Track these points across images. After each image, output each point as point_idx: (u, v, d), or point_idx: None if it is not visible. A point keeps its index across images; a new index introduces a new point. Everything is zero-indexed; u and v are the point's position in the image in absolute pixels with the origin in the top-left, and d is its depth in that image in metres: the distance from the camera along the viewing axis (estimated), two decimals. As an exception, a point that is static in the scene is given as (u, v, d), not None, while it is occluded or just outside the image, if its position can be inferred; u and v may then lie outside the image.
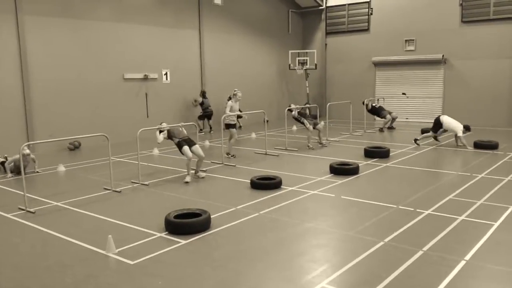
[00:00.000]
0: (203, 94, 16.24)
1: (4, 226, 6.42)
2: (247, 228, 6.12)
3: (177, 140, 8.97)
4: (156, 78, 15.35)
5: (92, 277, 4.71)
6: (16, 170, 9.45)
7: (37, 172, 9.88)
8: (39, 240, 5.85)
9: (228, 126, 11.25)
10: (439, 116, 12.59)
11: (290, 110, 12.69)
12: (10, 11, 11.75)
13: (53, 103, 12.75)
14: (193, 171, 9.19)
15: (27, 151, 9.41)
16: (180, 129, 9.33)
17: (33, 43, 12.26)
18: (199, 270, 4.83)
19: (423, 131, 14.71)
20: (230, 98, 11.89)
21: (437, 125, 12.42)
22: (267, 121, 13.18)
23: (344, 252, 5.32)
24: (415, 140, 12.65)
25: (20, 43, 11.97)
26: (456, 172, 9.21)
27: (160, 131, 9.10)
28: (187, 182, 8.65)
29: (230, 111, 11.14)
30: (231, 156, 11.15)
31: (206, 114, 16.17)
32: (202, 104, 16.09)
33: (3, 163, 9.93)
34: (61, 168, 10.20)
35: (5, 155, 10.11)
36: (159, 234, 5.86)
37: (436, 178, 8.80)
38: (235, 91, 11.47)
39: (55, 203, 7.44)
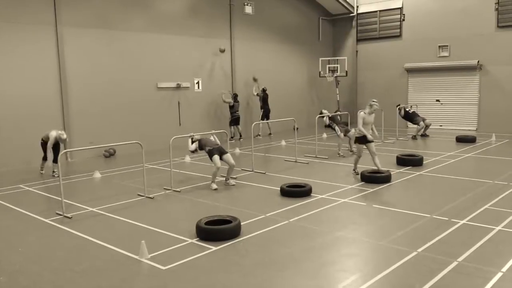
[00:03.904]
0: (234, 97, 16.41)
1: (43, 231, 6.66)
2: (277, 236, 6.13)
3: (207, 148, 9.06)
4: (188, 87, 15.62)
5: (126, 282, 4.83)
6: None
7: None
8: (76, 244, 6.04)
9: (356, 139, 9.80)
10: None
11: (322, 117, 12.66)
12: (50, 22, 12.26)
13: (89, 111, 13.16)
14: (223, 179, 9.28)
15: (65, 136, 10.30)
16: (212, 137, 9.44)
17: (71, 53, 12.73)
18: (229, 276, 4.88)
19: (458, 139, 14.38)
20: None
21: None
22: (297, 128, 13.16)
23: (376, 261, 5.25)
24: None
25: (59, 54, 12.46)
26: (493, 181, 8.94)
27: (192, 141, 9.25)
28: (215, 189, 8.75)
29: (363, 124, 9.49)
30: (355, 173, 9.77)
31: (234, 118, 16.34)
32: (232, 107, 16.26)
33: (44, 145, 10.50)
34: (97, 174, 10.50)
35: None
36: (190, 240, 5.95)
37: (471, 187, 8.56)
38: (372, 101, 9.68)
39: (91, 209, 7.66)
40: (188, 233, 6.19)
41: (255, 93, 17.32)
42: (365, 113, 9.49)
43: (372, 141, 9.53)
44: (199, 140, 9.22)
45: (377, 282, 4.63)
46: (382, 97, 19.27)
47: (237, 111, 16.37)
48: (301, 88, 20.15)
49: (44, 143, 10.41)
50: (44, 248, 5.95)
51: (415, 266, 5.01)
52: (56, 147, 10.35)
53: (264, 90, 17.36)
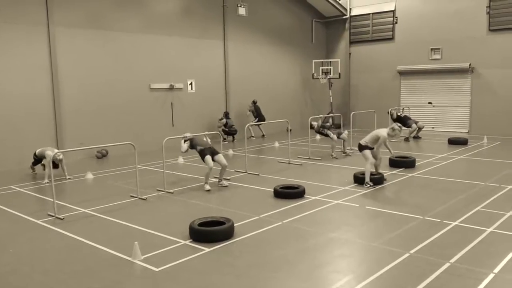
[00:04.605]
0: (226, 115, 16.35)
1: (34, 232, 6.60)
2: (270, 237, 6.12)
3: (199, 148, 9.05)
4: (181, 88, 15.58)
5: (118, 283, 4.80)
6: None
7: (69, 178, 10.15)
8: (67, 246, 6.00)
9: (362, 147, 9.27)
10: None
11: (312, 127, 12.66)
12: (42, 23, 12.16)
13: (82, 112, 13.08)
14: (217, 180, 9.27)
15: (61, 156, 9.99)
16: (204, 138, 9.42)
17: (64, 54, 12.63)
18: (223, 278, 4.86)
19: (450, 141, 14.47)
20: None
21: None
22: (290, 130, 13.18)
23: (369, 263, 5.26)
24: None
25: (51, 54, 12.37)
26: (484, 182, 9.01)
27: (184, 141, 9.22)
28: (208, 190, 8.72)
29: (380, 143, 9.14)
30: (370, 185, 8.87)
31: (231, 132, 16.29)
32: (226, 124, 16.22)
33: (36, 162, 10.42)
34: (89, 175, 10.43)
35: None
36: (183, 242, 5.93)
37: (463, 188, 8.62)
38: (398, 125, 9.28)
39: (83, 210, 7.61)
40: (181, 234, 6.16)
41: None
42: (389, 134, 9.14)
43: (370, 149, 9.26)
44: (191, 140, 9.20)
45: (370, 283, 4.64)
46: (375, 99, 19.46)
47: (233, 125, 16.33)
48: (294, 90, 20.19)
49: (37, 160, 10.31)
50: (35, 249, 5.90)
51: (407, 267, 5.03)
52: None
53: (254, 103, 17.20)
